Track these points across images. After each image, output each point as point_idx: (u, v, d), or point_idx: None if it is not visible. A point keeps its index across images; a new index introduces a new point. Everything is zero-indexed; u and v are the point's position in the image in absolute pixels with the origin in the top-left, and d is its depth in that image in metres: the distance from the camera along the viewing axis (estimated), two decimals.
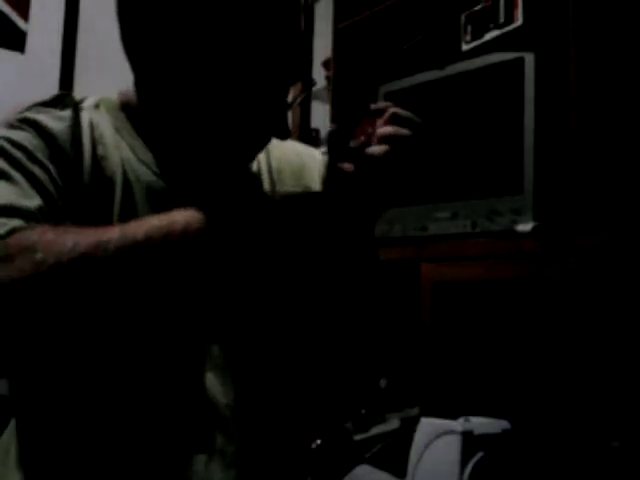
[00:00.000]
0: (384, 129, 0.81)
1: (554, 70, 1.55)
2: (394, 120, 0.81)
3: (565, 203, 1.45)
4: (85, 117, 0.88)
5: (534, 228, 1.46)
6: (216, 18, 0.82)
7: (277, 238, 0.77)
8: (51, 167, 0.81)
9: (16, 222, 0.73)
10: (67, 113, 0.87)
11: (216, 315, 0.87)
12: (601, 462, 1.31)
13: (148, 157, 0.88)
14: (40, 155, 0.81)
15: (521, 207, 1.51)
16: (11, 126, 0.83)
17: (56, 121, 0.85)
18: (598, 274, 1.36)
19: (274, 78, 0.86)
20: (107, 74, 0.93)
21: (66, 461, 0.83)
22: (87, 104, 0.90)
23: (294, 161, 1.01)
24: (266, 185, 0.98)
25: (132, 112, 0.91)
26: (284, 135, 0.90)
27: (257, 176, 0.97)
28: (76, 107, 0.88)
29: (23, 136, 0.82)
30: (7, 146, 0.81)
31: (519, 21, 1.72)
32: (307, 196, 0.84)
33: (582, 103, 1.46)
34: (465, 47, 1.85)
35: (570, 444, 1.37)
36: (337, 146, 0.82)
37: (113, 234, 0.72)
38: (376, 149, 0.79)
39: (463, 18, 1.86)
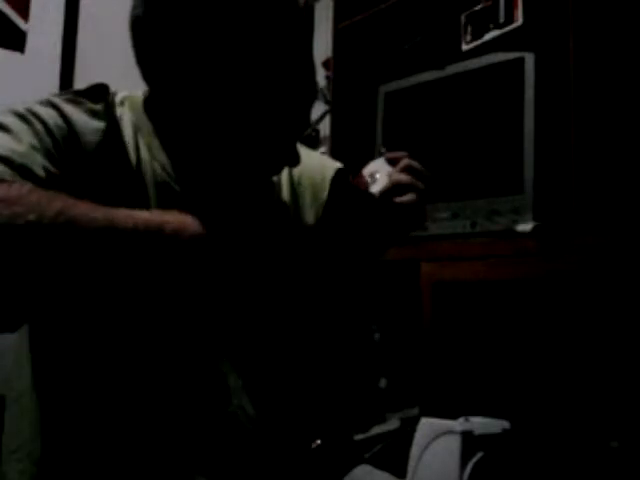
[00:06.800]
0: (401, 177, 0.89)
1: (554, 70, 1.55)
2: (410, 171, 0.89)
3: (565, 203, 1.45)
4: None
5: (534, 228, 1.46)
6: (237, 54, 0.81)
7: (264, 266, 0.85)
8: (61, 145, 0.80)
9: (7, 172, 0.73)
10: (100, 107, 0.87)
11: (215, 318, 0.87)
12: (601, 462, 1.30)
13: (164, 158, 0.88)
14: (55, 130, 0.80)
15: (521, 207, 1.51)
16: (39, 103, 0.83)
17: (84, 114, 0.85)
18: (598, 274, 1.36)
19: (293, 112, 0.87)
20: (107, 74, 0.93)
21: (77, 461, 0.84)
22: (117, 100, 0.90)
23: (317, 174, 1.02)
24: (285, 195, 0.98)
25: (153, 113, 0.90)
26: (295, 162, 0.91)
27: (277, 186, 0.97)
28: (109, 104, 0.88)
29: (46, 111, 0.82)
30: (25, 112, 0.81)
31: (519, 21, 1.72)
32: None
33: (582, 103, 1.46)
34: (465, 47, 1.85)
35: (570, 444, 1.37)
36: (342, 184, 0.94)
37: (101, 213, 0.71)
38: (405, 198, 0.89)
39: (463, 18, 1.87)
